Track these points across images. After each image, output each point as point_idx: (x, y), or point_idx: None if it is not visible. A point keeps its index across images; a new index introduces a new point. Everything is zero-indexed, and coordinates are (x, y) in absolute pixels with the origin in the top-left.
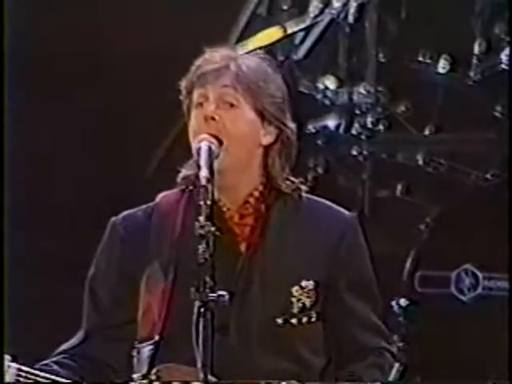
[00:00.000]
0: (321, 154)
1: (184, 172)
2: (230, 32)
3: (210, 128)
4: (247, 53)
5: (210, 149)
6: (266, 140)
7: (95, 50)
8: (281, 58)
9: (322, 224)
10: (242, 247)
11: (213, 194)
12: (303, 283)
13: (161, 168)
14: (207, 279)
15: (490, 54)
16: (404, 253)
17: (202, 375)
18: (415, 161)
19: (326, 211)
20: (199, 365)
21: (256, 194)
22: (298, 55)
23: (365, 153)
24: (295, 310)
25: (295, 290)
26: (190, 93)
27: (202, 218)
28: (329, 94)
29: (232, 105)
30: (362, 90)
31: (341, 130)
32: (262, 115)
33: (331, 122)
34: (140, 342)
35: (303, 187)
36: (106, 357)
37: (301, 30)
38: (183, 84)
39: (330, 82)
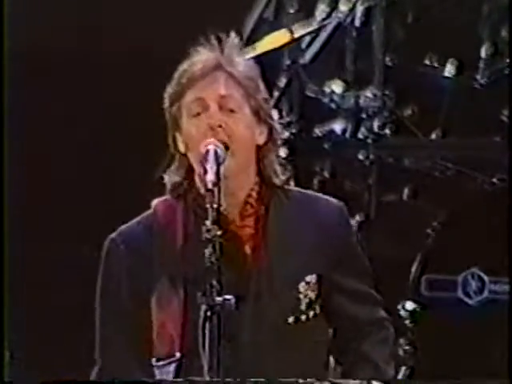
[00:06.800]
0: (327, 157)
1: (171, 178)
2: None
3: (218, 135)
4: (254, 57)
5: (216, 153)
6: (261, 139)
7: (96, 50)
8: (287, 62)
9: (315, 215)
10: (247, 249)
11: (219, 198)
12: (308, 278)
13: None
14: (214, 283)
15: (496, 58)
16: (410, 257)
17: (207, 378)
18: (422, 165)
19: (317, 202)
20: (205, 368)
21: (253, 194)
22: (305, 59)
23: (371, 157)
24: (303, 307)
25: (302, 285)
26: (177, 100)
27: (208, 222)
28: (335, 98)
29: (232, 110)
30: (368, 94)
31: (347, 134)
32: (258, 115)
33: (338, 126)
34: (158, 360)
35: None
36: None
37: (308, 34)
38: (169, 92)
39: (337, 86)
